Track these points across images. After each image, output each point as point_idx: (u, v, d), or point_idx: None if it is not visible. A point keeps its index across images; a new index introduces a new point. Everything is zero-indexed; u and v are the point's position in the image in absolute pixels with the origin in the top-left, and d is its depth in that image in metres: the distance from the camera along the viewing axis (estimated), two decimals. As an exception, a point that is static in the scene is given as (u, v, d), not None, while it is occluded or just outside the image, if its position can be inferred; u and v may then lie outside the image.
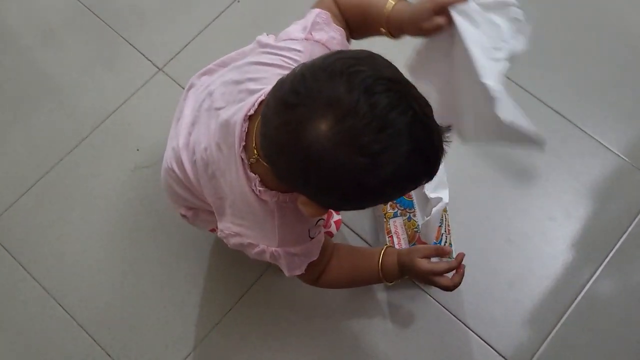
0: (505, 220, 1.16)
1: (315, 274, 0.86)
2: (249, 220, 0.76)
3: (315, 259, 0.82)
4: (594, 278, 1.10)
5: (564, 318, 1.08)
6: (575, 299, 1.09)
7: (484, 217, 1.16)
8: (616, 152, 1.19)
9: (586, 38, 1.30)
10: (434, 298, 1.10)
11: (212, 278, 1.14)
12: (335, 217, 1.12)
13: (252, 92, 0.72)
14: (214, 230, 0.96)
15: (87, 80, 1.30)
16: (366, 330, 1.09)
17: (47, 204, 1.21)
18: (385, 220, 1.08)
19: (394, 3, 0.74)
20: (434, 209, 0.97)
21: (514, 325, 1.08)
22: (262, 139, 0.63)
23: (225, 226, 0.78)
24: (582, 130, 1.21)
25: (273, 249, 0.76)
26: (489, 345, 1.07)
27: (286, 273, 0.81)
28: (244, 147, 0.71)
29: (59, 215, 1.20)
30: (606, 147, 1.20)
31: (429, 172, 0.62)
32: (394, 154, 0.56)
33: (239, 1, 1.36)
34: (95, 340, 1.10)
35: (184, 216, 0.97)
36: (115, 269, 1.16)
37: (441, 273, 0.86)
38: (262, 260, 0.80)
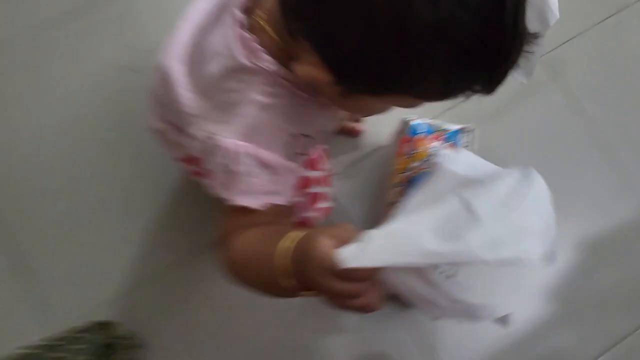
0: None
1: (236, 229, 0.58)
2: (223, 108, 0.57)
3: (280, 202, 0.58)
4: None
5: None
6: None
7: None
8: None
9: None
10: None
11: (158, 226, 0.97)
12: (324, 203, 0.91)
13: None
14: (180, 160, 0.78)
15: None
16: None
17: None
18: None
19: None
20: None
21: None
22: None
23: (199, 133, 0.58)
24: None
25: (240, 143, 0.55)
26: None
27: (233, 196, 0.57)
28: (245, 9, 0.56)
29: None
30: None
31: (487, 61, 0.46)
32: None
33: None
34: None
35: (157, 132, 0.77)
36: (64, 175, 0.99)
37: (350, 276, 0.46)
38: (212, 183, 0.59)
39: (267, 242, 0.53)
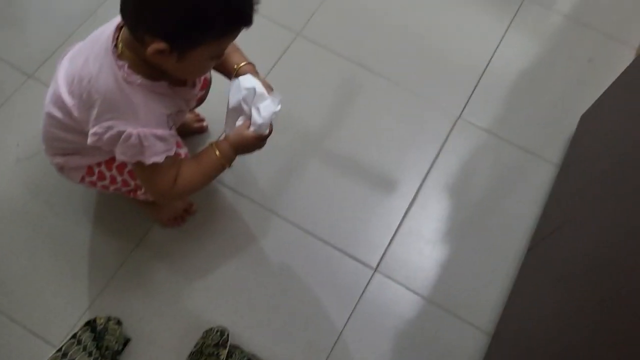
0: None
1: (172, 177, 1.00)
2: (117, 110, 0.91)
3: (172, 153, 0.97)
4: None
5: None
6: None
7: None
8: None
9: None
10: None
11: (100, 241, 1.28)
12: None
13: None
14: (83, 179, 1.13)
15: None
16: (241, 266, 1.29)
17: None
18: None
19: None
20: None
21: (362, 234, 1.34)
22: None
23: (98, 127, 0.93)
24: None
25: (140, 129, 0.91)
26: (347, 253, 1.31)
27: (148, 160, 0.94)
28: (114, 46, 0.91)
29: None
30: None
31: (239, 11, 0.86)
32: None
33: (96, 14, 1.56)
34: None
35: (59, 168, 1.13)
36: (9, 252, 1.26)
37: (265, 135, 1.05)
38: (130, 158, 0.94)
39: (201, 160, 1.04)
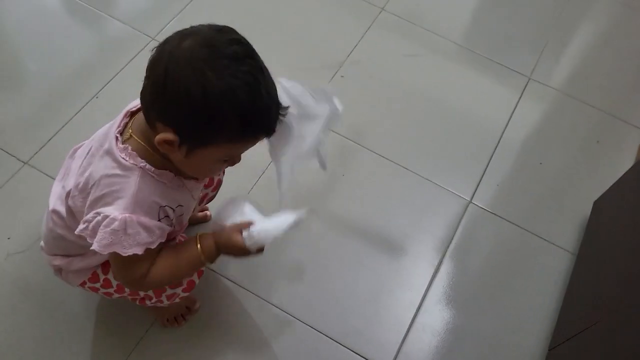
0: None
1: (145, 268, 0.91)
2: (109, 195, 0.85)
3: (153, 247, 0.88)
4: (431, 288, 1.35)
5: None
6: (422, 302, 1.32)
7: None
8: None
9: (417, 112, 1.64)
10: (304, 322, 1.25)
11: (96, 346, 1.19)
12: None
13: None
14: (84, 283, 1.05)
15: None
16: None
17: None
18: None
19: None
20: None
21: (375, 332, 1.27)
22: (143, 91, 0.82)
23: (89, 215, 0.86)
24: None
25: (126, 215, 0.83)
26: (356, 353, 1.23)
27: (124, 251, 0.84)
28: (120, 132, 0.87)
29: None
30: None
31: (258, 117, 0.80)
32: (237, 70, 0.76)
33: (97, 97, 1.51)
34: None
35: (57, 270, 1.05)
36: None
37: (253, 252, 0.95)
38: (105, 248, 0.84)
39: (180, 252, 0.93)
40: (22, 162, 1.39)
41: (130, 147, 0.86)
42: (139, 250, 0.86)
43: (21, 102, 1.51)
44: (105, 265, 1.03)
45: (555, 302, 1.34)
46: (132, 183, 0.85)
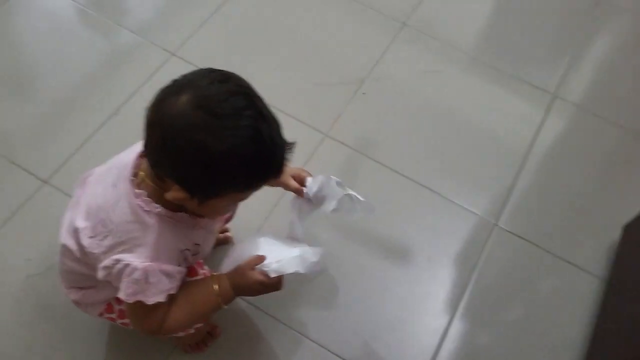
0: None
1: (160, 317, 0.90)
2: (129, 242, 0.84)
3: (174, 291, 0.88)
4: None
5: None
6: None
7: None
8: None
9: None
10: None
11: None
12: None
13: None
14: (102, 314, 1.04)
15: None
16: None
17: None
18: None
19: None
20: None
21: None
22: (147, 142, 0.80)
23: (108, 260, 0.85)
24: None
25: (147, 263, 0.83)
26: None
27: (147, 299, 0.85)
28: (134, 174, 0.86)
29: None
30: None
31: (264, 166, 0.79)
32: (236, 126, 0.74)
33: (117, 114, 1.49)
34: None
35: (76, 303, 1.04)
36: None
37: (272, 282, 0.94)
38: (129, 297, 0.84)
39: (195, 296, 0.93)
40: (42, 180, 1.38)
41: (145, 194, 0.85)
42: (162, 298, 0.86)
43: (39, 117, 1.49)
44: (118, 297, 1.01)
45: (585, 329, 1.30)
46: (151, 231, 0.85)
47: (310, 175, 1.06)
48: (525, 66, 1.75)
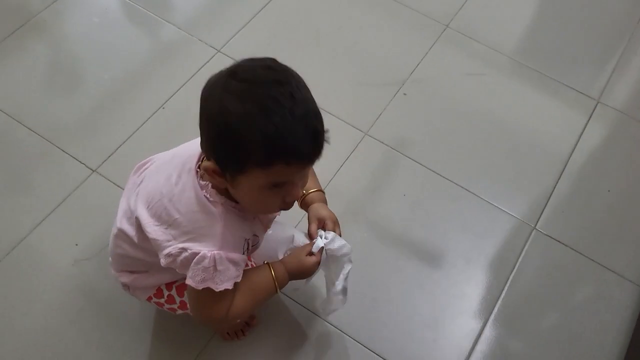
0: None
1: (228, 303, 0.92)
2: (196, 231, 0.88)
3: (239, 279, 0.91)
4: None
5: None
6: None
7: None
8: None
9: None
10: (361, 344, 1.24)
11: (156, 357, 1.21)
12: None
13: None
14: (150, 299, 1.08)
15: (21, 186, 1.40)
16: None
17: None
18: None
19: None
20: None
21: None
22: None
23: (172, 249, 0.88)
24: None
25: (215, 251, 0.86)
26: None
27: (216, 287, 0.87)
28: (198, 166, 0.89)
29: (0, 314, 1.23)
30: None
31: (281, 139, 0.76)
32: (260, 95, 0.76)
33: (164, 108, 1.54)
34: None
35: (125, 286, 1.08)
36: (61, 360, 1.19)
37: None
38: (198, 284, 0.87)
39: (255, 283, 0.96)
40: (91, 169, 1.43)
41: (210, 185, 0.88)
42: (230, 285, 0.89)
43: (89, 110, 1.55)
44: (169, 283, 1.05)
45: (622, 338, 1.29)
46: (218, 220, 0.88)
47: (338, 226, 1.06)
48: (568, 71, 1.74)
